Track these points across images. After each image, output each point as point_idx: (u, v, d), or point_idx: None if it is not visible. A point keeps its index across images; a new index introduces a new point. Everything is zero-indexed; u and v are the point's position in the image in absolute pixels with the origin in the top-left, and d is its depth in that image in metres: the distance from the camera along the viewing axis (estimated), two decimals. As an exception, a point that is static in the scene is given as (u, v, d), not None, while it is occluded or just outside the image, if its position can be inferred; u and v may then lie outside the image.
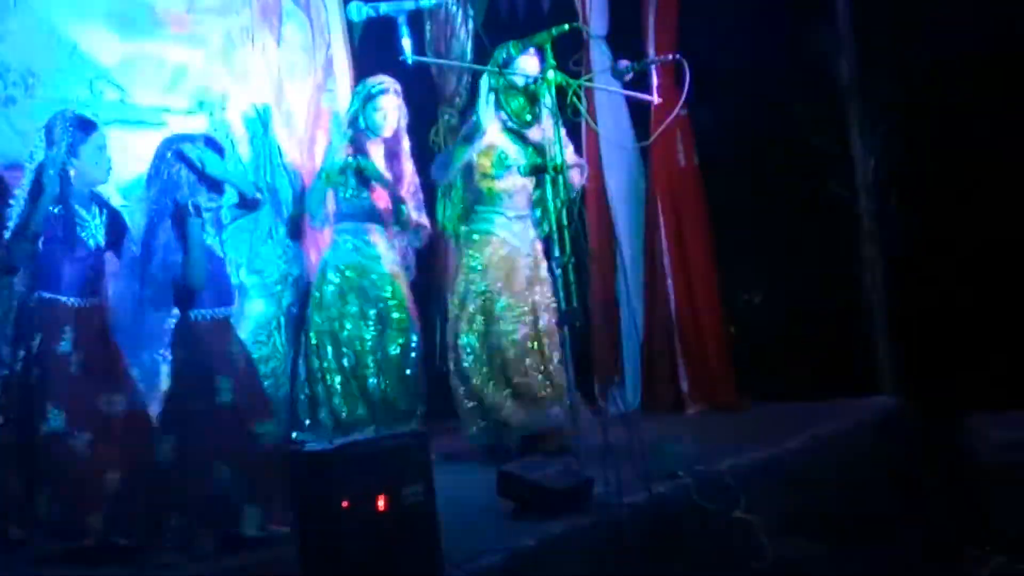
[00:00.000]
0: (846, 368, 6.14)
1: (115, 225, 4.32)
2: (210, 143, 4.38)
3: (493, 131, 5.30)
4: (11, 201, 4.14)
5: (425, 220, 5.43)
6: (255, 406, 4.22)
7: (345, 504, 3.31)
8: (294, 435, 5.20)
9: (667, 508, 4.17)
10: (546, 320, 5.23)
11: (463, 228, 5.42)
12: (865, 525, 4.95)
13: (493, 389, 5.18)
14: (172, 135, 4.43)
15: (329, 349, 5.25)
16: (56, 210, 4.14)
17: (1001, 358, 5.80)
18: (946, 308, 5.97)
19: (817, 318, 6.34)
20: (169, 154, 4.24)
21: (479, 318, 5.25)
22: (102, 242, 4.25)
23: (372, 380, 5.24)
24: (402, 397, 5.26)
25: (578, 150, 6.03)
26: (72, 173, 4.18)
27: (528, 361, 5.19)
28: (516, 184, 5.30)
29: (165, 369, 4.27)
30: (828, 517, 4.82)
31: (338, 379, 5.24)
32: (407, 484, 3.45)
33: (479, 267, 5.29)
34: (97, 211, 4.28)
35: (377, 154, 5.36)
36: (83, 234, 4.20)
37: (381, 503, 3.37)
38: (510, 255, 5.29)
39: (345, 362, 5.25)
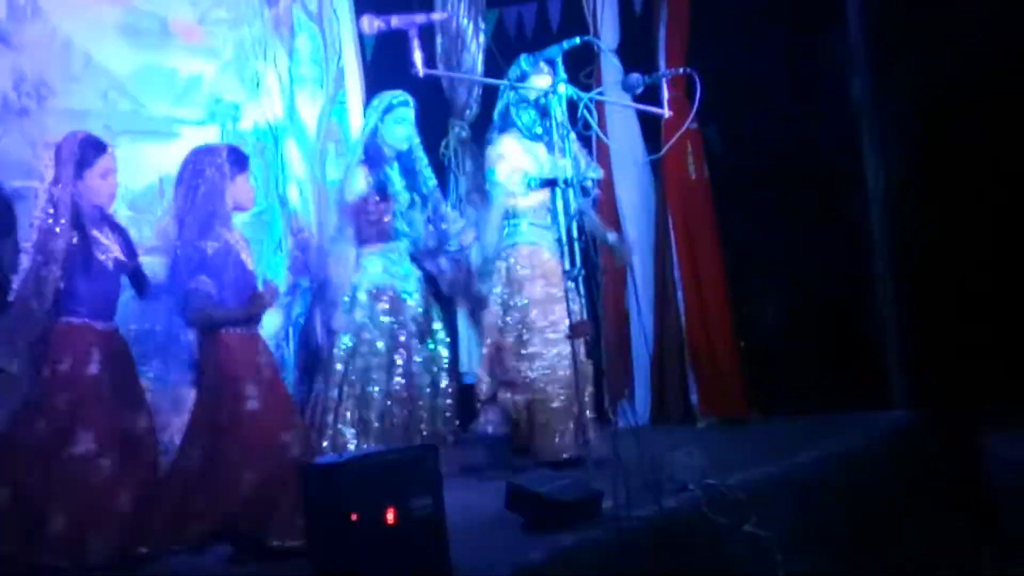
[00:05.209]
0: (858, 383, 6.11)
1: (127, 244, 4.30)
2: (233, 153, 4.35)
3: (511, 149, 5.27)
4: (32, 220, 4.13)
5: (467, 233, 5.37)
6: (282, 416, 4.21)
7: (354, 517, 3.30)
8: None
9: (677, 522, 4.15)
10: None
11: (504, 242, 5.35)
12: (877, 541, 4.92)
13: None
14: (198, 146, 4.40)
15: (374, 374, 5.15)
16: (74, 238, 4.10)
17: (1017, 376, 5.76)
18: (960, 324, 5.94)
19: (829, 332, 6.32)
20: (195, 165, 4.23)
21: (526, 328, 5.19)
22: (116, 263, 4.23)
23: (410, 404, 5.16)
24: (439, 423, 5.23)
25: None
26: (79, 197, 4.16)
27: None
28: (536, 200, 5.29)
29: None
30: (839, 533, 4.80)
31: (381, 406, 5.14)
32: (416, 497, 3.45)
33: (525, 277, 5.24)
34: (108, 230, 4.25)
35: (393, 171, 5.33)
36: (101, 256, 4.19)
37: (390, 516, 3.36)
38: (549, 260, 5.24)
39: (391, 388, 5.15)
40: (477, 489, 4.85)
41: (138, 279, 4.33)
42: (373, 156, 5.25)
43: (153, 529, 4.05)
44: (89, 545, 3.99)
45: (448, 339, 5.37)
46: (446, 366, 5.30)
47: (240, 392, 4.12)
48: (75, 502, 3.99)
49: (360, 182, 5.22)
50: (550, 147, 5.18)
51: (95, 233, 4.17)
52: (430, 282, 5.42)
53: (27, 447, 4.04)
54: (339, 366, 5.18)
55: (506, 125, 5.33)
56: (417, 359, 5.22)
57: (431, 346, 5.27)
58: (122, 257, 4.22)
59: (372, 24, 4.32)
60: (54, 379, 4.06)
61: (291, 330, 5.52)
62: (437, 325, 5.31)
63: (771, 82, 6.29)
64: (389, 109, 5.25)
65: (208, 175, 4.19)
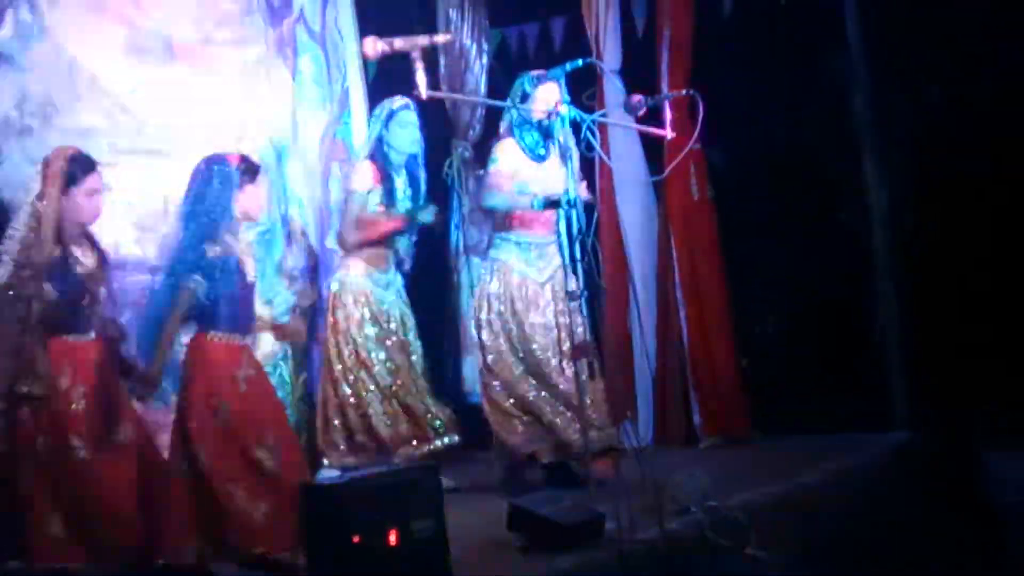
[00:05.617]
0: (860, 402, 6.10)
1: (103, 264, 4.27)
2: (245, 161, 4.32)
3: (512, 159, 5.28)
4: (13, 232, 4.12)
5: None
6: (256, 431, 4.15)
7: (356, 539, 3.30)
8: (325, 468, 5.16)
9: (679, 544, 4.14)
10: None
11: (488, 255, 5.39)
12: (879, 561, 4.91)
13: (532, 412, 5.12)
14: (211, 154, 4.34)
15: (361, 372, 5.20)
16: (55, 252, 4.09)
17: (1019, 393, 5.75)
18: (962, 342, 5.93)
19: (831, 351, 6.31)
20: (206, 171, 4.20)
21: (502, 343, 5.19)
22: (93, 278, 4.21)
23: (410, 398, 5.20)
24: (439, 413, 5.25)
25: (592, 184, 6.03)
26: (62, 212, 4.14)
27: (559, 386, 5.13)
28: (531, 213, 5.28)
29: None
30: (842, 553, 4.78)
31: (377, 400, 5.19)
32: (418, 518, 3.45)
33: (494, 293, 5.24)
34: (89, 247, 4.23)
35: (401, 178, 5.34)
36: (78, 270, 4.16)
37: (392, 537, 3.36)
38: (522, 283, 5.24)
39: (381, 382, 5.20)
40: (478, 508, 4.84)
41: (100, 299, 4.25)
42: (381, 164, 5.26)
43: (156, 533, 4.05)
44: (100, 547, 4.02)
45: (421, 348, 5.37)
46: (423, 372, 5.30)
47: (211, 405, 4.10)
48: (82, 504, 4.03)
49: (370, 176, 5.22)
50: (552, 167, 5.20)
51: (74, 249, 4.16)
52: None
53: (30, 459, 4.05)
54: (339, 379, 5.20)
55: (510, 135, 5.33)
56: (400, 366, 5.24)
57: (414, 351, 5.28)
58: (96, 274, 4.20)
59: (375, 47, 4.32)
60: (33, 396, 4.06)
61: (288, 350, 5.53)
62: (410, 333, 5.31)
63: (773, 102, 6.30)
64: (392, 115, 5.26)
65: (217, 182, 4.17)
